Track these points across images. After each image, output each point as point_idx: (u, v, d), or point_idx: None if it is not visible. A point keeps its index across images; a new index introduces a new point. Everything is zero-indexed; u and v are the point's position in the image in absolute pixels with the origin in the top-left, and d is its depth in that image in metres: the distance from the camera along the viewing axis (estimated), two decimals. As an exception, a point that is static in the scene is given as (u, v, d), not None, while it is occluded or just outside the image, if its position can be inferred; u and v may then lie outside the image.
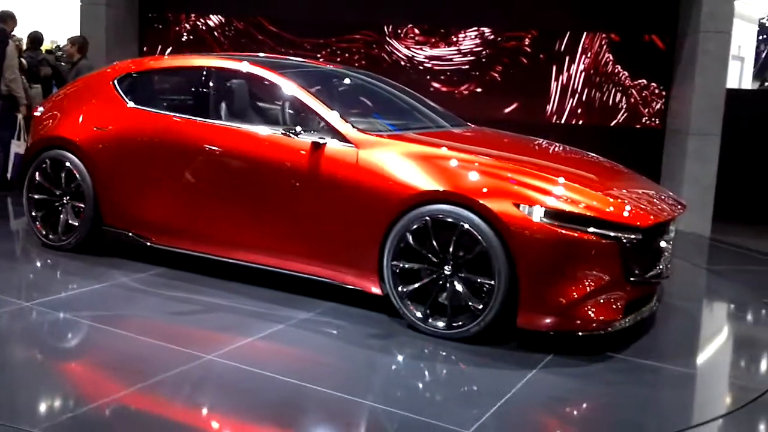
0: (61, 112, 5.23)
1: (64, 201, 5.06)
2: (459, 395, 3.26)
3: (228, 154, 4.42)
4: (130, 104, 4.93)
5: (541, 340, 3.76)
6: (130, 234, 4.88)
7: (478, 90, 8.50)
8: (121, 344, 3.65)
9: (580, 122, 8.44)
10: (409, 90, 5.54)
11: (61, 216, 5.04)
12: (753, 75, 15.56)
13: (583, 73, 8.42)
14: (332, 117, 4.20)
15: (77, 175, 4.95)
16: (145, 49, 8.95)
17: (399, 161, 3.95)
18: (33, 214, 5.14)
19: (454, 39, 8.54)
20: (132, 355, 3.53)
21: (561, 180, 3.78)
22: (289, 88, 4.43)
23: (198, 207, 4.59)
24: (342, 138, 4.10)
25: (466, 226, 3.67)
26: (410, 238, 3.81)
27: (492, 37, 8.51)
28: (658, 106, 8.31)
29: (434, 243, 3.77)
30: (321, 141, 4.12)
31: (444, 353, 3.66)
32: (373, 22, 8.61)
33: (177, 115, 4.73)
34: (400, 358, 3.65)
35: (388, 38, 8.61)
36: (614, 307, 3.67)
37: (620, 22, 8.36)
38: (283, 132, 4.18)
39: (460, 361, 3.60)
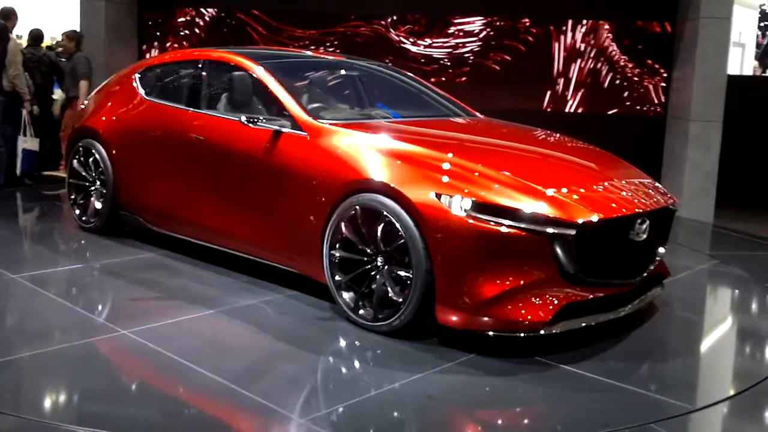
0: (96, 104, 5.65)
1: (94, 186, 5.44)
2: (333, 385, 3.18)
3: (204, 142, 4.60)
4: (143, 96, 5.24)
5: (487, 340, 3.49)
6: (138, 218, 5.19)
7: (477, 80, 8.50)
8: (49, 308, 3.93)
9: (580, 110, 8.45)
10: (417, 80, 5.53)
11: (91, 199, 5.43)
12: (757, 57, 15.50)
13: (584, 61, 8.42)
14: (292, 105, 4.24)
15: (101, 162, 5.30)
16: (144, 46, 8.97)
17: (341, 150, 3.91)
18: (71, 197, 5.61)
19: (454, 28, 8.54)
20: (53, 320, 3.77)
21: (500, 173, 3.56)
22: (262, 77, 4.49)
23: (180, 193, 4.81)
24: (298, 126, 4.13)
25: (389, 216, 3.56)
26: (344, 227, 3.75)
27: (491, 25, 8.51)
28: (659, 93, 8.31)
29: (365, 233, 3.70)
30: (281, 129, 4.15)
31: (359, 344, 3.59)
32: (370, 13, 8.61)
33: (169, 104, 5.01)
34: (308, 349, 3.51)
35: (385, 29, 8.61)
36: (543, 308, 3.35)
37: (620, 8, 8.36)
38: (247, 120, 4.20)
39: (368, 351, 3.52)
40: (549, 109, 8.48)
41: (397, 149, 3.81)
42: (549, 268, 3.37)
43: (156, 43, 8.99)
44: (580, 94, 8.46)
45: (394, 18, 8.59)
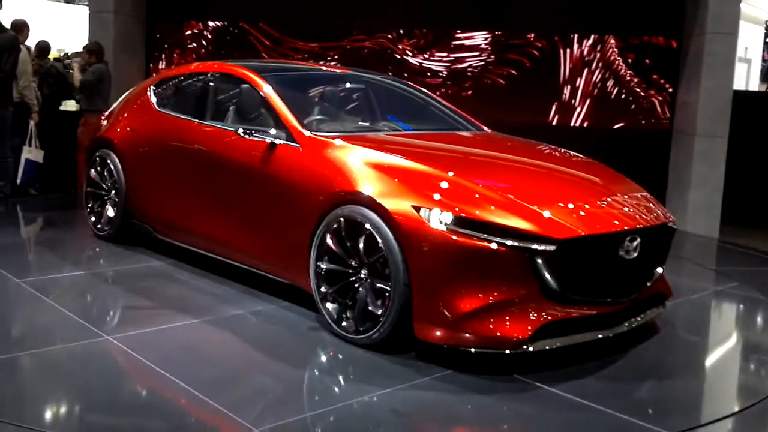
0: (114, 114, 5.77)
1: (109, 195, 5.54)
2: (299, 396, 3.14)
3: (205, 152, 4.65)
4: (155, 107, 5.34)
5: (470, 356, 3.42)
6: (147, 227, 5.27)
7: (484, 94, 8.53)
8: (41, 313, 3.98)
9: (586, 124, 8.46)
10: (425, 92, 5.55)
11: (106, 208, 5.55)
12: (762, 76, 15.53)
13: (589, 75, 8.44)
14: (288, 117, 4.26)
15: (114, 172, 5.41)
16: (152, 59, 9.03)
17: (329, 162, 3.91)
18: (88, 205, 5.72)
19: (458, 43, 8.58)
20: (41, 324, 3.84)
21: (484, 188, 3.52)
22: (264, 90, 4.52)
23: (184, 203, 4.87)
24: (293, 138, 4.15)
25: (370, 228, 3.54)
26: (328, 238, 3.75)
27: (498, 40, 8.54)
28: (665, 107, 8.32)
29: (349, 245, 3.68)
30: (276, 141, 4.18)
31: (337, 356, 3.57)
32: (377, 27, 8.66)
33: (177, 115, 5.10)
34: (285, 360, 3.48)
35: (391, 42, 8.65)
36: (523, 326, 3.28)
37: (627, 24, 8.38)
38: (243, 132, 4.25)
39: (344, 364, 3.50)
40: (554, 123, 8.49)
41: (384, 162, 3.79)
42: (529, 284, 3.30)
43: (164, 56, 9.05)
44: (585, 108, 8.48)
45: (400, 32, 8.63)
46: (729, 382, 3.75)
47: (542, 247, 3.28)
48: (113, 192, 5.47)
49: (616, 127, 8.44)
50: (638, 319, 3.78)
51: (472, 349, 3.33)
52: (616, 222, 3.58)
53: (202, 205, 4.71)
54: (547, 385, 3.28)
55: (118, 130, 5.51)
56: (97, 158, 5.60)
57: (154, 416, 2.93)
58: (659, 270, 3.91)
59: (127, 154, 5.34)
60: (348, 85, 5.36)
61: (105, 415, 2.93)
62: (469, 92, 8.57)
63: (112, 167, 5.42)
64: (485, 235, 3.29)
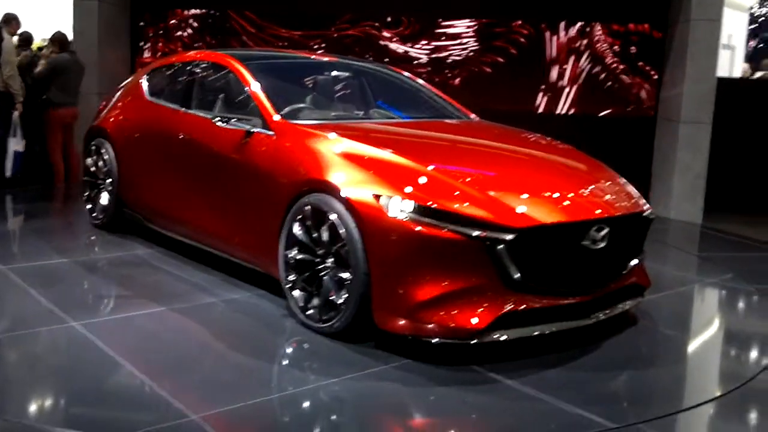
0: (110, 103, 5.82)
1: (104, 184, 5.57)
2: (246, 383, 3.10)
3: (187, 141, 4.69)
4: (147, 96, 5.38)
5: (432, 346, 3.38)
6: (137, 215, 5.31)
7: (468, 82, 8.54)
8: (15, 299, 4.06)
9: (572, 112, 8.50)
10: (415, 80, 5.52)
11: (101, 196, 5.58)
12: (747, 60, 15.59)
13: (575, 63, 8.47)
14: (264, 105, 4.25)
15: (108, 161, 5.46)
16: (141, 44, 8.97)
17: (299, 150, 3.90)
18: (86, 193, 5.77)
19: (444, 30, 8.58)
20: (11, 310, 3.93)
21: (448, 176, 3.48)
22: (243, 76, 4.51)
23: (169, 192, 4.90)
24: (267, 126, 4.14)
25: (333, 216, 3.52)
26: (296, 227, 3.73)
27: (482, 27, 8.55)
28: (649, 94, 8.37)
29: (315, 234, 3.67)
30: (251, 129, 4.17)
31: (297, 345, 3.60)
32: (363, 15, 8.64)
33: (164, 104, 5.14)
34: (241, 348, 3.48)
35: (377, 30, 8.64)
36: (480, 315, 3.24)
37: (612, 11, 8.41)
38: (219, 120, 4.24)
39: (301, 352, 3.53)
40: (540, 111, 8.52)
41: (352, 150, 3.76)
42: (488, 274, 3.26)
43: (149, 44, 8.99)
44: (571, 96, 8.51)
45: (386, 20, 8.62)
46: (693, 376, 3.64)
47: (500, 236, 3.23)
48: (108, 180, 5.51)
49: (601, 114, 8.48)
50: (607, 311, 3.68)
51: (434, 340, 3.30)
52: (583, 211, 3.51)
53: (183, 194, 4.74)
54: (504, 376, 3.25)
55: (112, 119, 5.56)
56: (93, 147, 5.65)
57: (93, 402, 2.94)
58: (634, 261, 3.83)
59: (119, 143, 5.38)
60: (335, 73, 5.32)
61: (41, 400, 2.97)
62: (455, 80, 8.58)
63: (106, 156, 5.46)
64: (444, 223, 3.25)
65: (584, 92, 8.48)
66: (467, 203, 3.31)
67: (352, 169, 3.60)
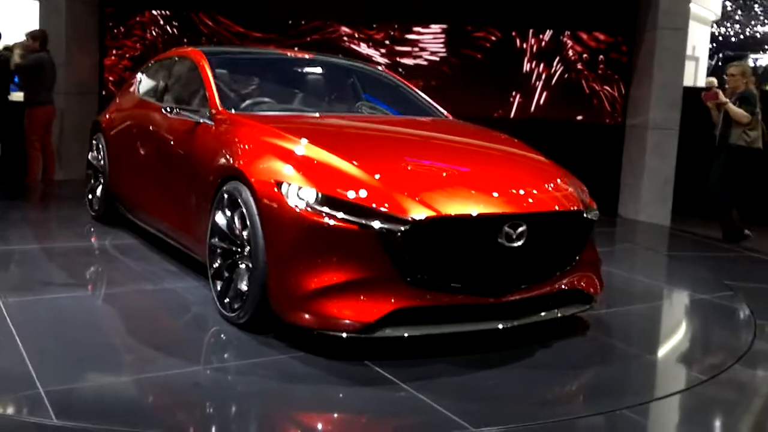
0: (112, 100, 6.07)
1: (100, 176, 5.74)
2: (111, 366, 3.11)
3: (152, 133, 4.85)
4: (136, 92, 5.55)
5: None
6: (120, 206, 5.47)
7: (440, 87, 8.56)
8: None
9: (542, 117, 8.58)
10: (391, 76, 5.49)
11: (98, 188, 5.74)
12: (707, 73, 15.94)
13: (545, 70, 8.56)
14: (212, 96, 4.27)
15: (101, 154, 5.70)
16: (106, 47, 8.84)
17: (228, 140, 3.90)
18: (88, 186, 5.98)
19: (417, 36, 8.61)
20: None
21: (353, 166, 3.37)
22: (202, 69, 4.55)
23: (137, 182, 5.05)
24: (211, 117, 4.15)
25: (241, 204, 3.48)
26: (218, 215, 3.69)
27: (455, 34, 8.60)
28: (618, 101, 8.49)
29: (231, 222, 3.60)
30: (198, 120, 4.19)
31: (196, 332, 3.62)
32: (332, 20, 8.64)
33: (144, 98, 5.33)
34: (139, 335, 3.46)
35: (350, 35, 8.64)
36: (370, 310, 3.10)
37: (581, 19, 8.53)
38: (167, 109, 4.32)
39: (192, 338, 3.51)
40: (510, 117, 8.58)
41: (271, 140, 3.71)
42: (384, 267, 3.12)
43: (118, 44, 8.86)
44: (541, 103, 8.59)
45: (356, 26, 8.62)
46: (592, 384, 3.33)
47: (394, 227, 3.10)
48: (101, 174, 5.71)
49: (570, 120, 8.58)
50: (525, 318, 3.39)
51: (317, 331, 3.21)
52: (497, 205, 3.28)
53: (147, 185, 4.89)
54: (391, 374, 3.09)
55: (107, 115, 5.79)
56: (93, 141, 5.91)
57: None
58: (570, 265, 3.53)
59: (110, 137, 5.58)
60: (305, 69, 5.26)
61: None
62: (424, 86, 8.59)
63: (101, 150, 5.69)
64: (339, 213, 3.17)
65: (554, 99, 8.56)
66: (367, 194, 3.21)
67: (265, 158, 3.56)
